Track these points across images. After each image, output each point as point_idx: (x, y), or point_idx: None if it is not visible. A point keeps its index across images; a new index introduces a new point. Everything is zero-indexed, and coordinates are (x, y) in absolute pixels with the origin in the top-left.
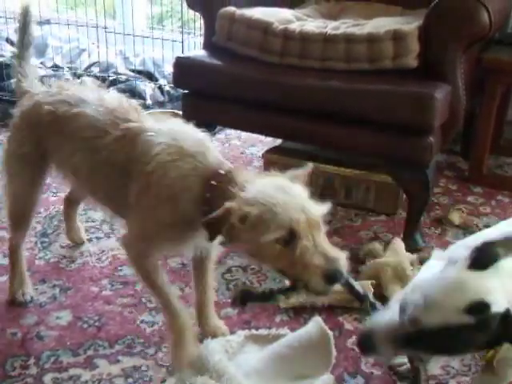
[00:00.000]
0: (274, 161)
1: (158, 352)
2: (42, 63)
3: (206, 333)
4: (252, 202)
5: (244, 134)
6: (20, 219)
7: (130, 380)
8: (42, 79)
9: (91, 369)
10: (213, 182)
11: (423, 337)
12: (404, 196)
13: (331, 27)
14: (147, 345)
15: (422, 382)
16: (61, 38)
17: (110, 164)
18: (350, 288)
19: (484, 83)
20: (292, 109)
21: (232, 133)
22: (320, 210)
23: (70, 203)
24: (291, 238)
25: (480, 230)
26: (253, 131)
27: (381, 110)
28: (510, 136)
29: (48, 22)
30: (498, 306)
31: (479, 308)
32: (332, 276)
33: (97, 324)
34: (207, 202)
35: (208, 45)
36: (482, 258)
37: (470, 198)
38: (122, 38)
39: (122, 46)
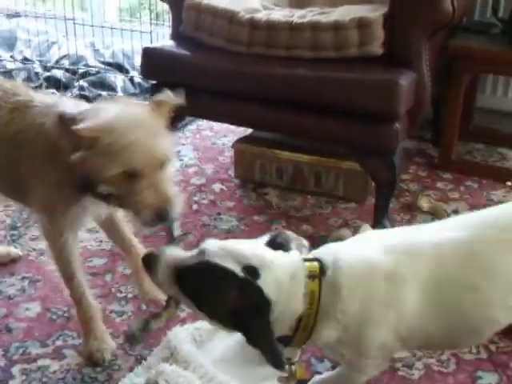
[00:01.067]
0: (244, 150)
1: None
2: (11, 56)
3: (143, 293)
4: (106, 128)
5: (215, 125)
6: None
7: (99, 369)
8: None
9: (60, 359)
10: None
11: (196, 273)
12: (373, 183)
13: (297, 16)
14: (116, 334)
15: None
16: (30, 30)
17: (4, 137)
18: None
19: (451, 70)
20: (260, 98)
21: (204, 124)
22: (168, 148)
23: None
24: (133, 174)
25: (448, 215)
26: (221, 121)
27: (347, 98)
28: (479, 122)
29: (17, 14)
30: (266, 285)
31: (252, 271)
32: (162, 214)
33: (66, 315)
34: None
35: (176, 35)
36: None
37: (439, 184)
38: (92, 30)
39: (92, 39)
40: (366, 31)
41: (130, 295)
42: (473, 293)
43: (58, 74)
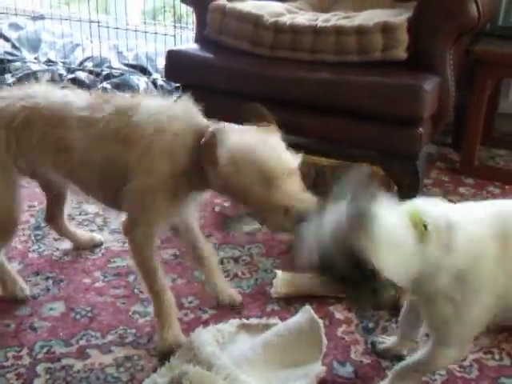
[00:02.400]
0: None
1: (150, 342)
2: (35, 58)
3: (221, 302)
4: (237, 148)
5: None
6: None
7: (122, 369)
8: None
9: (83, 359)
10: (202, 140)
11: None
12: (395, 187)
13: (322, 20)
14: (139, 335)
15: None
16: (54, 33)
17: (106, 134)
18: None
19: (474, 75)
20: (282, 101)
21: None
22: (294, 160)
23: (53, 212)
24: (268, 182)
25: None
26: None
27: (370, 102)
28: (502, 128)
29: (42, 17)
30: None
31: None
32: (299, 216)
33: (89, 315)
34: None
35: (200, 38)
36: None
37: (461, 189)
38: (116, 32)
39: (115, 41)
40: (390, 35)
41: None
42: None
43: (82, 75)
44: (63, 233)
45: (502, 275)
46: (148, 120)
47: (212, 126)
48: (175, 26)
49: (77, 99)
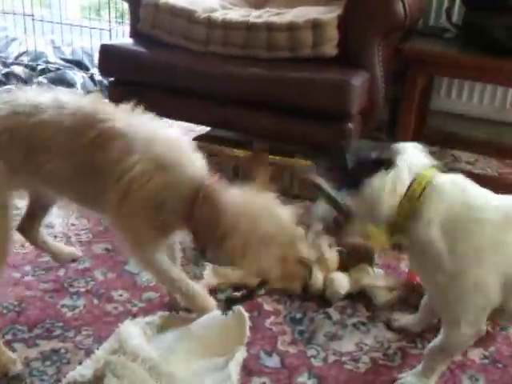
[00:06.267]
0: (201, 148)
1: (77, 335)
2: None
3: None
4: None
5: (176, 123)
6: None
7: (48, 362)
8: None
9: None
10: (200, 195)
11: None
12: None
13: (254, 16)
14: (67, 328)
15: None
16: None
17: (88, 165)
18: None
19: (405, 72)
20: (216, 96)
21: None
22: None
23: (32, 222)
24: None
25: None
26: (178, 119)
27: (300, 97)
28: (433, 125)
29: None
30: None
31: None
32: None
33: (17, 309)
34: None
35: (135, 33)
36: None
37: None
38: (52, 27)
39: (53, 36)
40: (319, 32)
41: (82, 290)
42: None
43: (18, 70)
44: (38, 244)
45: (502, 247)
46: (131, 159)
47: (208, 178)
48: (110, 21)
49: (58, 117)
